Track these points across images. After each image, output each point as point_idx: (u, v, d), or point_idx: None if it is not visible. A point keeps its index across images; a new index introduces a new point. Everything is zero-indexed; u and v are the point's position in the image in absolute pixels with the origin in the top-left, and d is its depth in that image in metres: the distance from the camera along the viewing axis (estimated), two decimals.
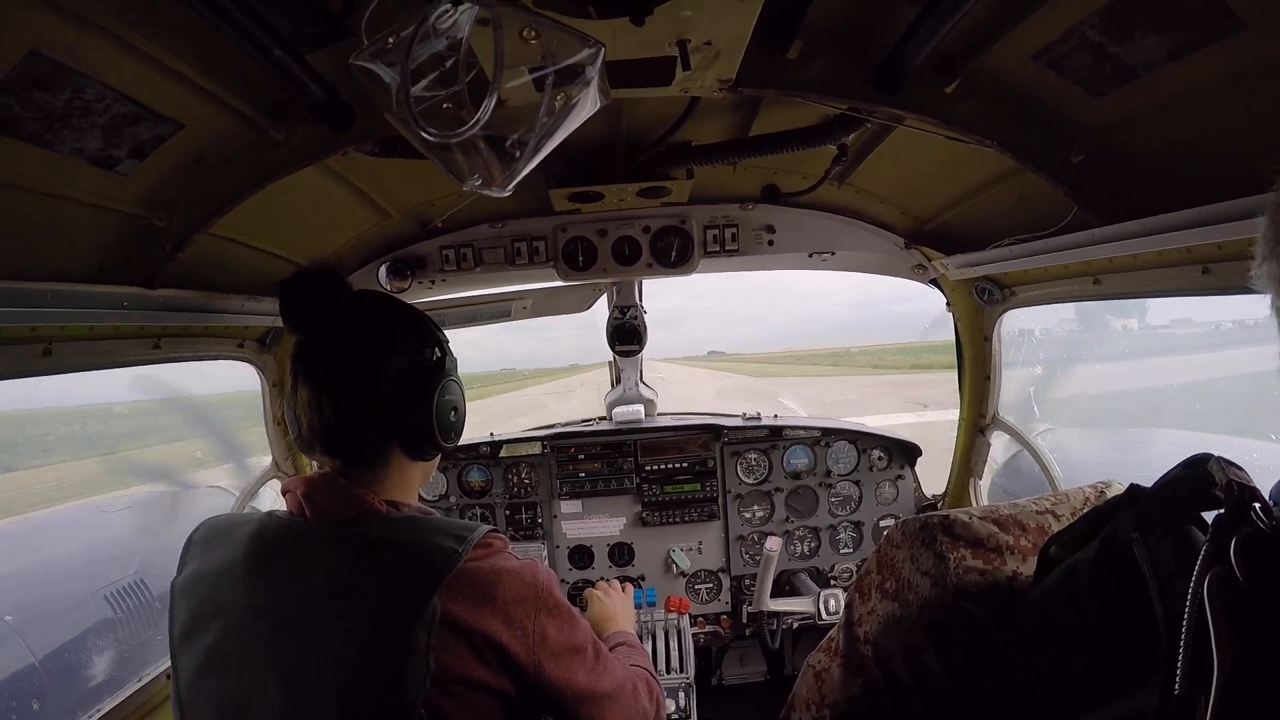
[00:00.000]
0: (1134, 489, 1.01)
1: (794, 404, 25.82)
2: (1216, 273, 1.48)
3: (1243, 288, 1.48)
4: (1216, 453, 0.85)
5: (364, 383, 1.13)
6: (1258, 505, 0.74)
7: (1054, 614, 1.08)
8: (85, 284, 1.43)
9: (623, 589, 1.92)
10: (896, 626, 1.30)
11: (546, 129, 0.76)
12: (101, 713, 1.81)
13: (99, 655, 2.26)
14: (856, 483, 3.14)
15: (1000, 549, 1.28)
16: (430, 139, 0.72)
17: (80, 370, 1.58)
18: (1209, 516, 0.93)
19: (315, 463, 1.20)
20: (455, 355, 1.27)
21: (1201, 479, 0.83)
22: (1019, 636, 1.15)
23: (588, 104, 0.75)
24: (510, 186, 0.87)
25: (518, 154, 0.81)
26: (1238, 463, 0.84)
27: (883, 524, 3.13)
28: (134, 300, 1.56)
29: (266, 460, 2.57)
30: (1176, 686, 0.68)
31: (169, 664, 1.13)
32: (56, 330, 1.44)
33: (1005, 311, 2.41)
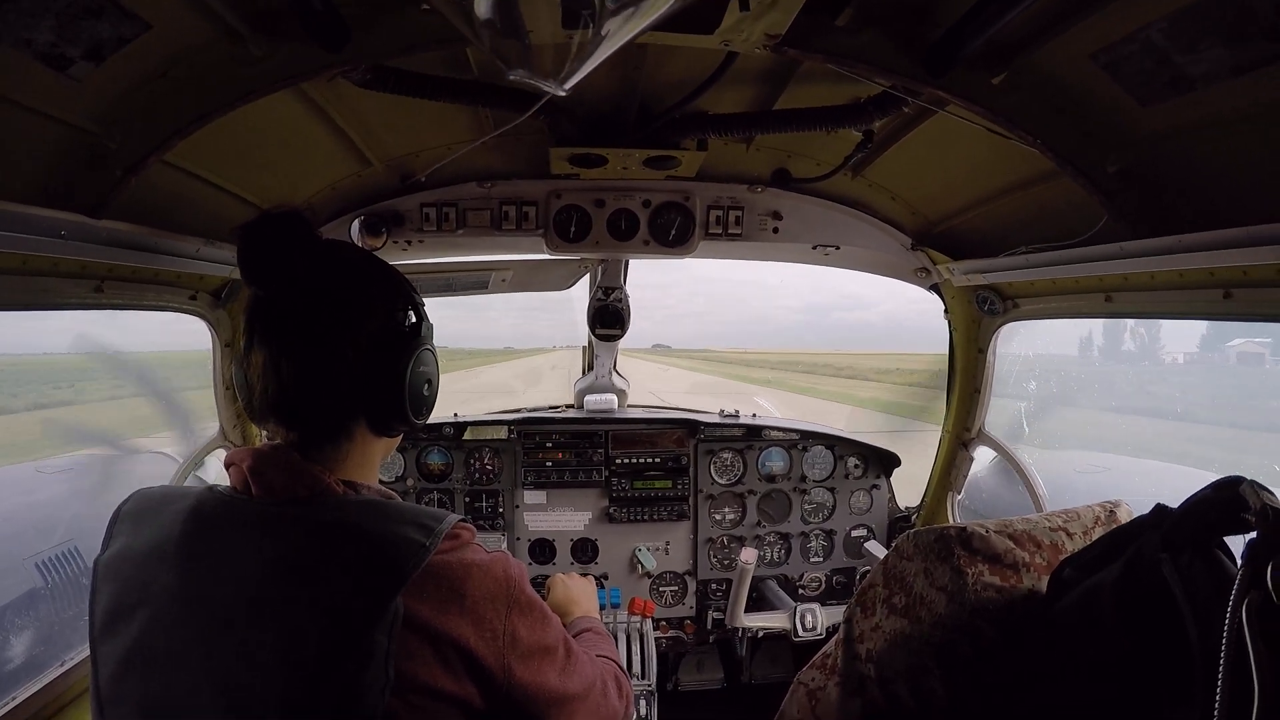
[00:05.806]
0: (1160, 509, 0.99)
1: (769, 405, 25.99)
2: (1238, 298, 1.45)
3: (1264, 314, 1.45)
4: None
5: (332, 347, 1.00)
6: None
7: (1073, 636, 1.05)
8: (19, 203, 1.23)
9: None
10: (904, 645, 1.21)
11: (629, 12, 0.61)
12: (16, 702, 1.58)
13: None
14: (831, 490, 3.08)
15: (1017, 565, 1.22)
16: None
17: (10, 309, 1.38)
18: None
19: (265, 433, 1.04)
20: (431, 322, 1.14)
21: (1233, 502, 0.83)
22: (1033, 658, 1.10)
23: None
24: (571, 83, 0.71)
25: (589, 38, 0.65)
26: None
27: (854, 533, 3.07)
28: (75, 230, 1.36)
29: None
30: (1215, 715, 0.70)
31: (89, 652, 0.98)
32: None
33: (1004, 324, 2.36)
